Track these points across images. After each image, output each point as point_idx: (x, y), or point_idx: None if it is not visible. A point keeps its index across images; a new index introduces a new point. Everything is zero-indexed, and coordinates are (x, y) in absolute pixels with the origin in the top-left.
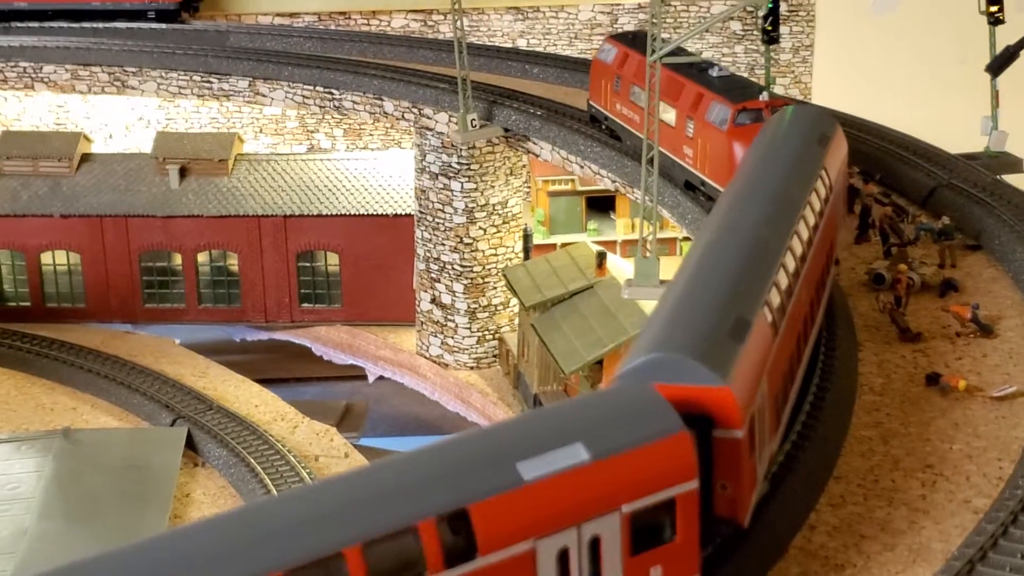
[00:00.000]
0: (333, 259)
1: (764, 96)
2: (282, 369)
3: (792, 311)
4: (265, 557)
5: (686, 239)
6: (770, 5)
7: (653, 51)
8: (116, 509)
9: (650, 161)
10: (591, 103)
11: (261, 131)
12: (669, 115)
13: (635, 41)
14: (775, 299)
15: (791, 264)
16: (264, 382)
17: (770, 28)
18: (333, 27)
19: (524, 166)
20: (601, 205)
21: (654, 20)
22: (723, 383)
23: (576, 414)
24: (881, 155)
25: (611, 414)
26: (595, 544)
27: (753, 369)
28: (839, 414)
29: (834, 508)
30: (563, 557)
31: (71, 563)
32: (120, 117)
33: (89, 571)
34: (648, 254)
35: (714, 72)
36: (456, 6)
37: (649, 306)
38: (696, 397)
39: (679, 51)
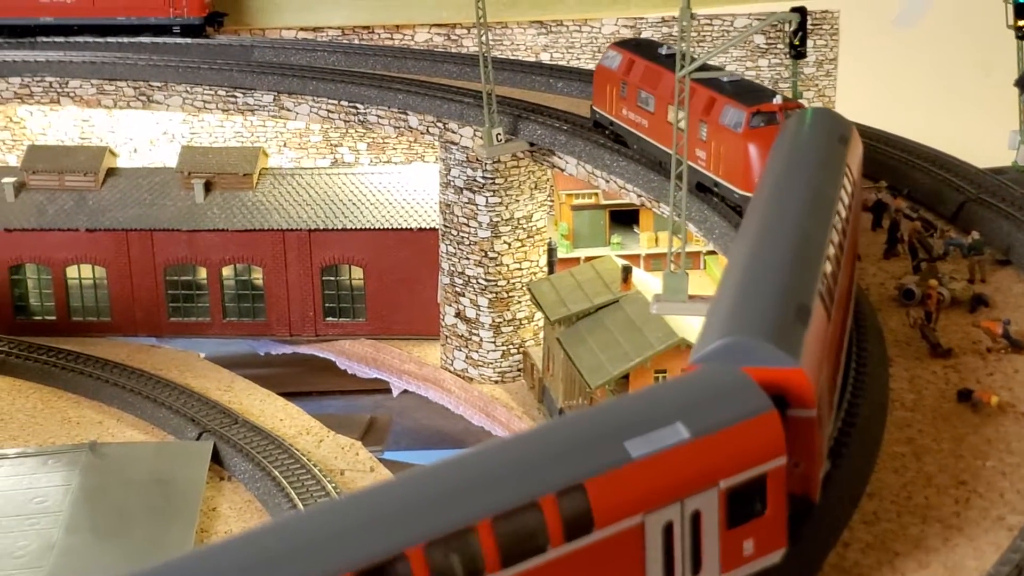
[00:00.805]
0: (357, 273)
1: (778, 99)
2: (306, 383)
3: (836, 298)
4: (401, 532)
5: (710, 253)
6: (798, 20)
7: (682, 67)
8: (143, 523)
9: (679, 176)
10: (595, 108)
11: (285, 145)
12: (681, 120)
13: (640, 48)
14: (824, 287)
15: (832, 254)
16: (288, 395)
17: (798, 43)
18: (357, 41)
19: (548, 180)
20: (625, 219)
21: (683, 36)
22: (797, 364)
23: (673, 395)
24: (909, 169)
25: (705, 395)
26: (696, 518)
27: (817, 352)
28: (871, 430)
29: (868, 525)
30: (668, 531)
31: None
32: (144, 131)
33: None
34: (676, 269)
35: (724, 77)
36: (480, 20)
37: (677, 321)
38: (772, 378)
39: (707, 67)
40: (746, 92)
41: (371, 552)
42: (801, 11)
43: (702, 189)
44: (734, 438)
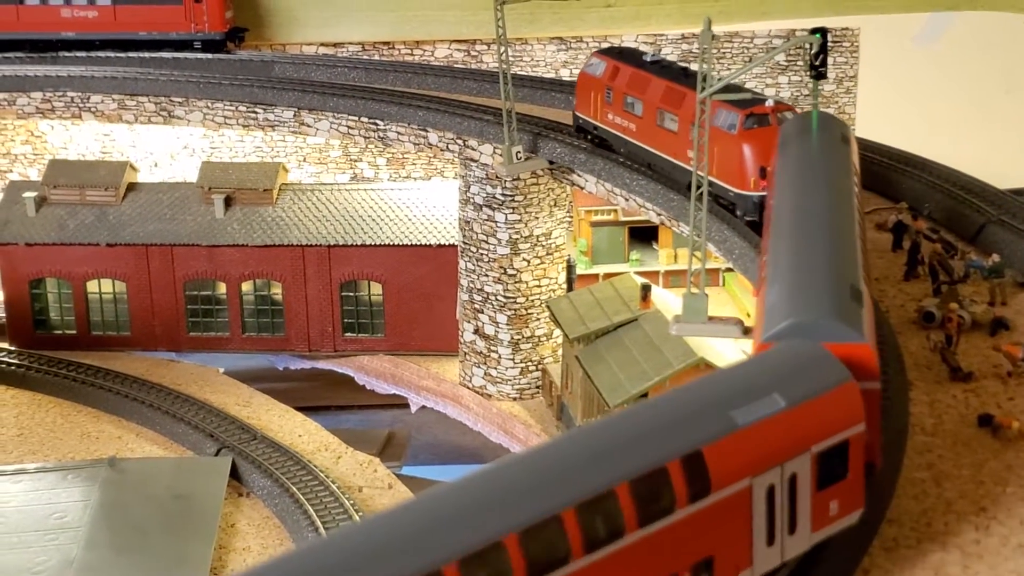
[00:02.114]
0: (376, 289)
1: (769, 102)
2: (323, 397)
3: (867, 279)
4: (558, 494)
5: (729, 270)
6: (820, 42)
7: (703, 88)
8: (162, 539)
9: (699, 197)
10: (578, 114)
11: (304, 160)
12: (672, 123)
13: (624, 55)
14: (863, 271)
15: (858, 242)
16: (305, 410)
17: (818, 64)
18: (377, 57)
19: (568, 197)
20: (644, 235)
21: (704, 57)
22: (863, 340)
23: (766, 368)
24: (929, 190)
25: (794, 368)
26: (793, 481)
27: (873, 329)
28: (892, 455)
29: (887, 552)
30: (770, 493)
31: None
32: (165, 146)
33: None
34: (696, 290)
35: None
36: (501, 36)
37: (695, 339)
38: (842, 353)
39: (730, 87)
40: (735, 95)
41: (537, 510)
42: (822, 32)
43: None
44: (822, 407)
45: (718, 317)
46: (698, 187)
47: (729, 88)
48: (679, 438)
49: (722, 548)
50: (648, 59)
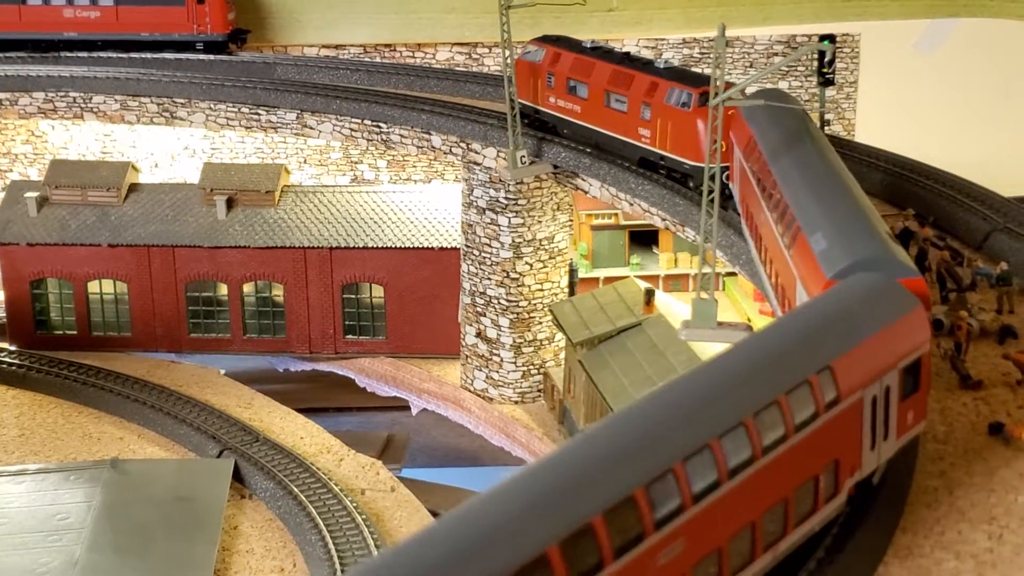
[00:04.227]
0: (378, 291)
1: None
2: (322, 399)
3: None
4: (714, 420)
5: (730, 274)
6: (833, 50)
7: (716, 94)
8: (165, 541)
9: (710, 202)
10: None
11: (305, 162)
12: (621, 104)
13: (561, 42)
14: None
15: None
16: (304, 411)
17: (827, 71)
18: (379, 59)
19: (570, 201)
20: (644, 239)
21: (718, 63)
22: (917, 275)
23: (852, 298)
24: (934, 197)
25: (875, 297)
26: (887, 392)
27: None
28: (904, 462)
29: (901, 560)
30: (874, 403)
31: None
32: (165, 146)
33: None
34: (705, 295)
35: (660, 63)
36: (505, 39)
37: (699, 344)
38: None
39: (743, 95)
40: (685, 76)
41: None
42: (831, 39)
43: (645, 165)
44: (903, 329)
45: (727, 322)
46: (709, 193)
47: (677, 70)
48: (815, 356)
49: (844, 452)
50: (589, 45)
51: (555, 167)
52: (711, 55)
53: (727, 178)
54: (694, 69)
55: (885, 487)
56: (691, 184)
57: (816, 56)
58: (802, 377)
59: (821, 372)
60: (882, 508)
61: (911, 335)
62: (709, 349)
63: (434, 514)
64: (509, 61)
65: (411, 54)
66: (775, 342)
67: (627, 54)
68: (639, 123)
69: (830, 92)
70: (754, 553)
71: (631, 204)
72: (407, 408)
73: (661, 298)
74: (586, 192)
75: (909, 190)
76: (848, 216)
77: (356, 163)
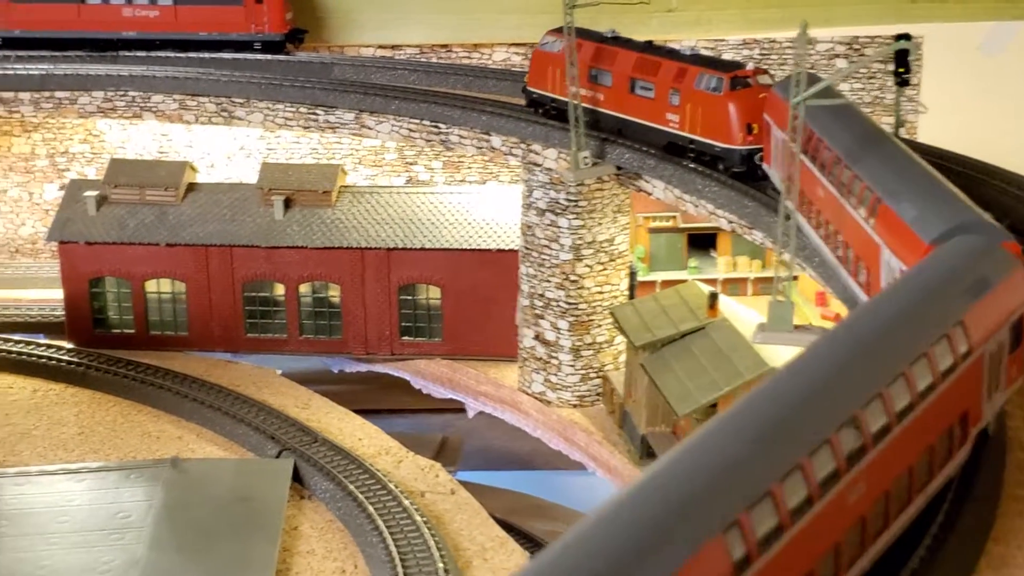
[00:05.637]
0: (435, 293)
1: (749, 66)
2: (377, 400)
3: None
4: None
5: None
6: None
7: (797, 93)
8: (226, 541)
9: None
10: (532, 89)
11: (360, 162)
12: (647, 91)
13: (580, 32)
14: None
15: None
16: (358, 412)
17: (902, 71)
18: (435, 60)
19: (631, 203)
20: (702, 242)
21: (799, 62)
22: (1012, 239)
23: (967, 259)
24: (1010, 200)
25: (984, 260)
26: (1000, 347)
27: None
28: (992, 472)
29: (994, 571)
30: (991, 356)
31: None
32: (222, 146)
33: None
34: (782, 298)
35: (685, 51)
36: (569, 40)
37: (765, 349)
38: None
39: (828, 92)
40: (713, 61)
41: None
42: (907, 38)
43: (672, 149)
44: (1010, 287)
45: (803, 325)
46: (787, 192)
47: (703, 57)
48: (949, 312)
49: (971, 404)
50: (608, 35)
51: (618, 168)
52: (771, 56)
53: (761, 159)
54: None
55: (974, 498)
56: (721, 167)
57: (894, 56)
58: (942, 332)
59: (955, 326)
60: (973, 518)
61: (1016, 294)
62: (775, 353)
63: (496, 519)
64: (573, 61)
65: (467, 55)
66: (905, 304)
67: (649, 43)
68: (667, 108)
69: (892, 95)
70: (910, 496)
71: (696, 206)
72: (461, 410)
73: (725, 302)
74: (649, 194)
75: (980, 191)
76: (930, 184)
77: (411, 164)
